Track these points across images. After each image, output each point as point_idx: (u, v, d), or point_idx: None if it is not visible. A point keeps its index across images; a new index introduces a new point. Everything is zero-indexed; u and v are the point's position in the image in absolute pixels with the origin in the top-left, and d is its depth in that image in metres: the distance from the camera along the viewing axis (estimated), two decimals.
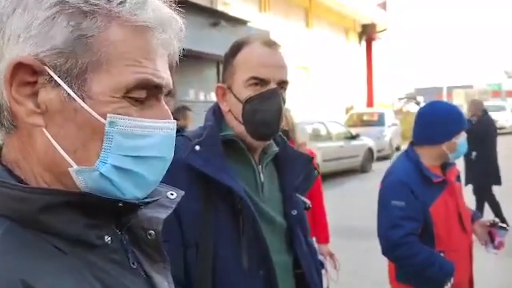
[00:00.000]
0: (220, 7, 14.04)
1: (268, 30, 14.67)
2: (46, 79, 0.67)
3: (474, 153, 7.54)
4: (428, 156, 2.39)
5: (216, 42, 10.84)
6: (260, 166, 1.45)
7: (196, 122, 3.47)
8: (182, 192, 0.85)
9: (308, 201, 1.51)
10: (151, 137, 0.71)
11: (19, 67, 0.66)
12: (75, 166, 0.68)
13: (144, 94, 0.70)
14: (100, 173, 0.68)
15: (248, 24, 14.19)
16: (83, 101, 0.67)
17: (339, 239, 6.79)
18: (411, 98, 30.11)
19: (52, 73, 0.66)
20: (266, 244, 1.35)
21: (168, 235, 1.15)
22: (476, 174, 7.34)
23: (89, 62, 0.67)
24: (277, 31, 15.56)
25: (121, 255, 0.74)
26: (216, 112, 1.48)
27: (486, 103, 10.44)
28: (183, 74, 12.07)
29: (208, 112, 1.50)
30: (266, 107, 1.38)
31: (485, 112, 7.90)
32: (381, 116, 17.80)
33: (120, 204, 0.70)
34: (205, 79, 13.03)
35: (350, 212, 8.41)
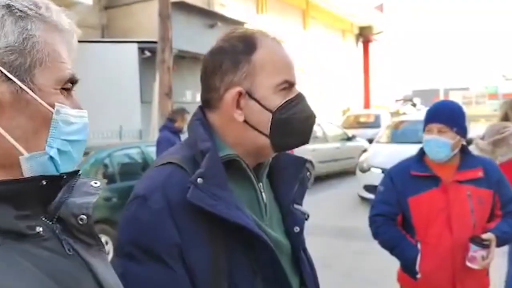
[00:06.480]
0: (217, 9, 14.07)
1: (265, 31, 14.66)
2: None
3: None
4: None
5: (213, 44, 10.82)
6: (260, 184, 1.25)
7: None
8: (104, 181, 0.89)
9: (306, 211, 1.33)
10: (77, 124, 0.81)
11: None
12: (26, 154, 0.74)
13: (70, 86, 0.81)
14: (50, 156, 0.76)
15: (245, 25, 14.22)
16: (34, 93, 0.74)
17: (334, 240, 6.81)
18: (408, 100, 30.15)
19: (2, 69, 0.72)
20: (288, 282, 1.20)
21: None
22: None
23: (36, 59, 0.75)
24: (274, 32, 15.58)
25: (55, 244, 0.78)
26: (206, 126, 1.20)
27: None
28: (180, 75, 12.07)
29: (194, 126, 1.21)
30: (305, 114, 1.22)
31: None
32: (377, 118, 17.81)
33: (44, 182, 0.75)
34: None
35: (346, 213, 8.44)
